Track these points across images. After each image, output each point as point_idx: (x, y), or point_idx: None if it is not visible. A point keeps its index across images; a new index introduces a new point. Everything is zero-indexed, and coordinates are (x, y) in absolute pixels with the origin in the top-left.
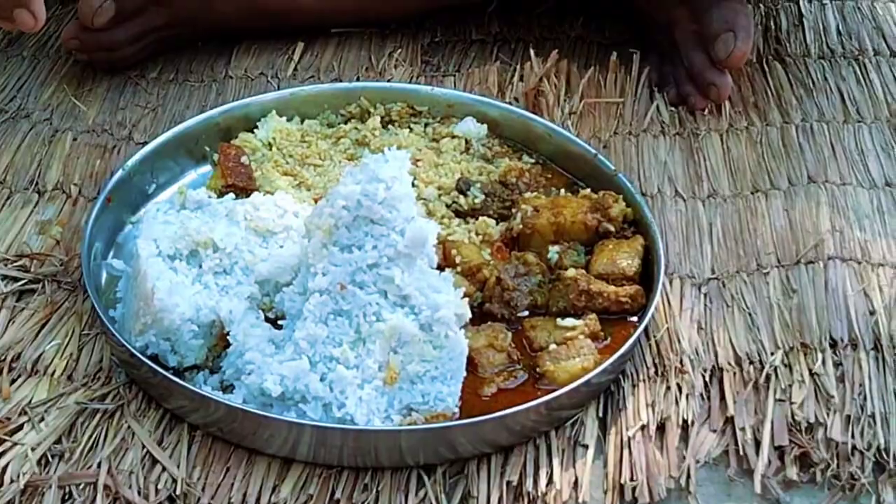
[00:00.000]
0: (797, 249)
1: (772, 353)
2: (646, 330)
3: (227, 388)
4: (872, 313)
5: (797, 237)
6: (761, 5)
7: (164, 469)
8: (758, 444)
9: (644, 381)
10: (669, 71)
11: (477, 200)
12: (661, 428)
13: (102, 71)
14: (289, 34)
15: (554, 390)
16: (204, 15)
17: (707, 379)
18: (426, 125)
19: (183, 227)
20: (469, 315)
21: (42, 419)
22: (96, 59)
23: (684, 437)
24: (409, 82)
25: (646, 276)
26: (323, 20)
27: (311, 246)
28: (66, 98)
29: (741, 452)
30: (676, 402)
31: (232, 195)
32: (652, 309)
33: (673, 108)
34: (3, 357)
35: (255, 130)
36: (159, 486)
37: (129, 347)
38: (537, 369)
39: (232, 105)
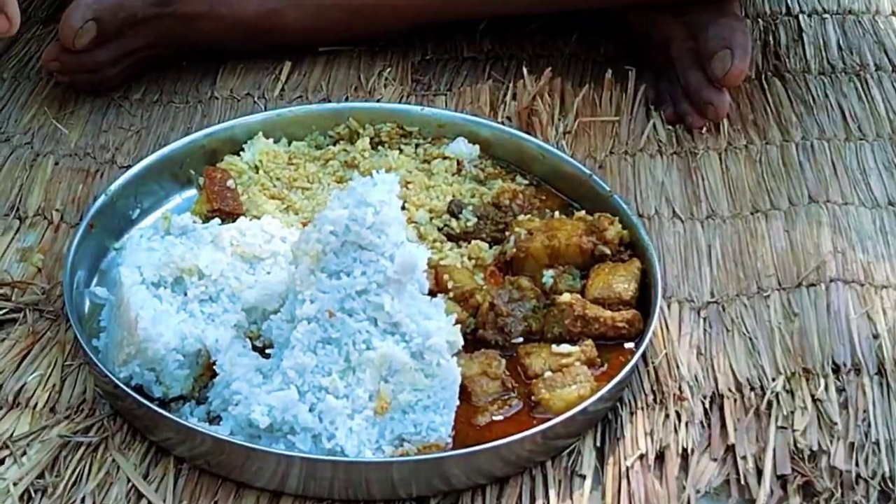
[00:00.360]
0: (798, 271)
1: (773, 379)
2: (643, 356)
3: (213, 420)
4: (876, 337)
5: (798, 259)
6: (760, 20)
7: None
8: (759, 472)
9: (642, 408)
10: (666, 89)
11: (469, 223)
12: (661, 457)
13: (84, 93)
14: (275, 53)
15: (550, 419)
16: (187, 35)
17: (707, 406)
18: (417, 146)
19: (167, 254)
20: (461, 342)
21: (24, 453)
22: (78, 81)
23: (684, 467)
24: (400, 101)
25: (643, 301)
26: (309, 38)
27: (298, 272)
28: (48, 121)
29: (743, 482)
30: (676, 431)
31: (218, 220)
32: (650, 334)
33: (670, 127)
34: None
35: (241, 153)
36: None
37: (113, 378)
38: (532, 397)
39: (217, 127)
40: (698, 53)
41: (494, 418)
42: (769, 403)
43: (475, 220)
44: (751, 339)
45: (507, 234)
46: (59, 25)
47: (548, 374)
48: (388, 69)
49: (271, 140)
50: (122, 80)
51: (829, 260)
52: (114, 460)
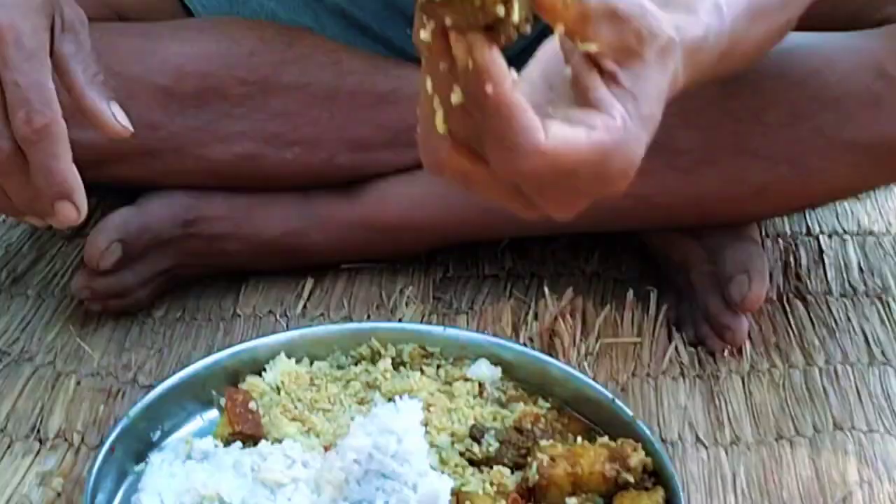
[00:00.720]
0: (824, 502)
1: None
2: None
3: None
4: None
5: (824, 489)
6: (780, 240)
7: None
8: None
9: None
10: (687, 310)
11: (491, 448)
12: None
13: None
14: (298, 270)
15: None
16: (212, 254)
17: None
18: (438, 367)
19: (188, 480)
20: None
21: None
22: (110, 307)
23: None
24: (422, 320)
25: None
26: (333, 256)
27: (320, 502)
28: (71, 339)
29: None
30: None
31: (239, 443)
32: None
33: (692, 349)
34: None
35: (263, 373)
36: None
37: None
38: None
39: (239, 348)
40: (716, 277)
41: None
42: None
43: (497, 444)
44: None
45: (529, 459)
46: (84, 247)
47: None
48: (410, 287)
49: (293, 360)
50: (151, 301)
51: (856, 490)
52: None
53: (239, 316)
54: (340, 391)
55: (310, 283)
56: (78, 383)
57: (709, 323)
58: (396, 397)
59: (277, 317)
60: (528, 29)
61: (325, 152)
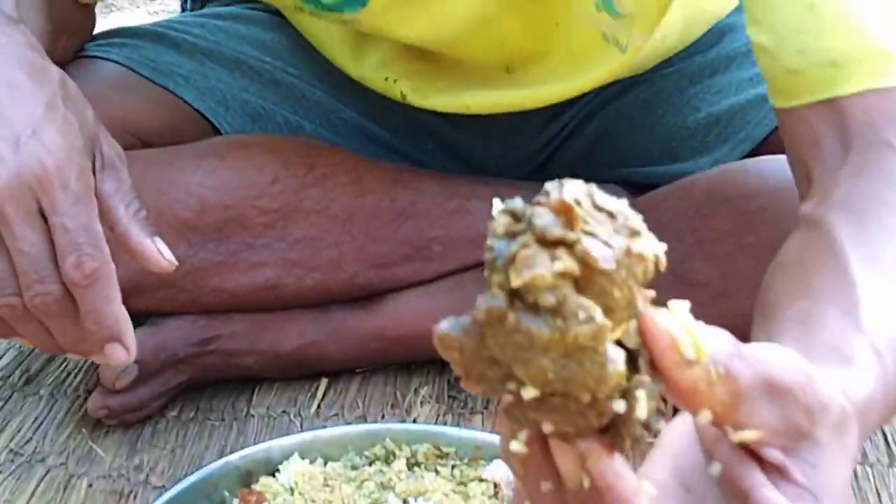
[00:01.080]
0: None
1: None
2: None
3: None
4: None
5: None
6: None
7: None
8: None
9: None
10: None
11: None
12: None
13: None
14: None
15: None
16: (227, 369)
17: None
18: (453, 468)
19: None
20: None
21: None
22: (126, 421)
23: None
24: (436, 420)
25: None
26: (348, 365)
27: None
28: (83, 440)
29: None
30: None
31: None
32: None
33: None
34: None
35: (277, 474)
36: None
37: None
38: None
39: (253, 449)
40: None
41: None
42: None
43: None
44: None
45: None
46: (100, 368)
47: None
48: (425, 387)
49: (307, 461)
50: (166, 406)
51: None
52: None
53: (253, 416)
54: (354, 492)
55: (324, 383)
56: (90, 485)
57: None
58: (411, 498)
59: (291, 417)
60: (661, 425)
61: (344, 273)
